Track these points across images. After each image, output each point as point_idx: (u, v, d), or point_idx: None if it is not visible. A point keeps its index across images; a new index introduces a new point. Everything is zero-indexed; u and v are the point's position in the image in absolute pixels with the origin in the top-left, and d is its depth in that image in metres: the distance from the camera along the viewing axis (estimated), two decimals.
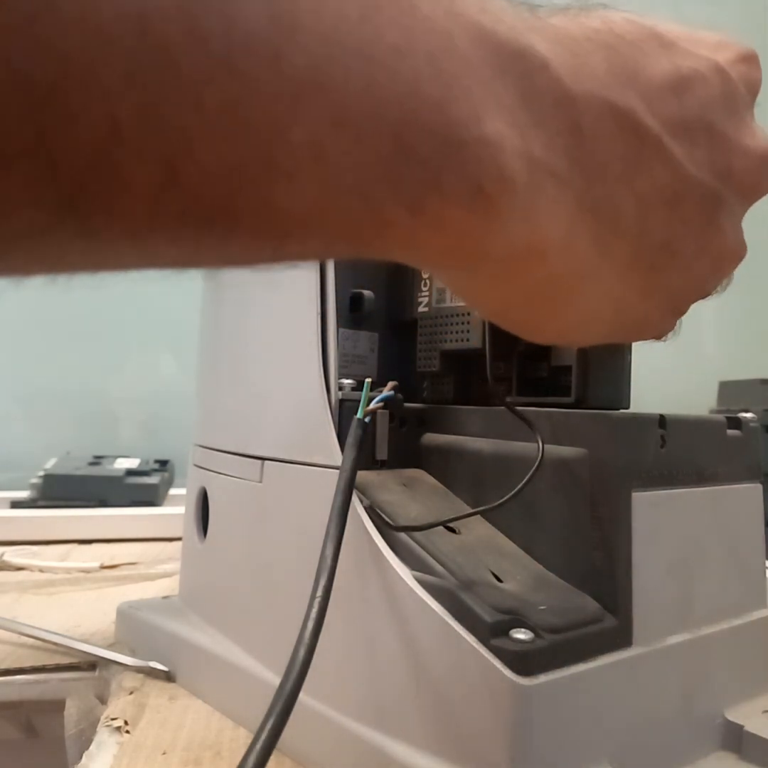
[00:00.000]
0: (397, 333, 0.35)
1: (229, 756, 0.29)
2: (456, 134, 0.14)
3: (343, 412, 0.29)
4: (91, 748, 0.30)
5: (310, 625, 0.22)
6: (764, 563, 0.31)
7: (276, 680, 0.21)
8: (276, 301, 0.33)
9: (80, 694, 0.38)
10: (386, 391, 0.29)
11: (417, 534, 0.26)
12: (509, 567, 0.25)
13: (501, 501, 0.25)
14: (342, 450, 0.27)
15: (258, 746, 0.19)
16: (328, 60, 0.13)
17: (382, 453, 0.29)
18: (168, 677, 0.36)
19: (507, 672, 0.21)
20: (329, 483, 0.26)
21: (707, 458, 0.28)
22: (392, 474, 0.29)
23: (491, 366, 0.29)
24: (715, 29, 0.23)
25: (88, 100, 0.10)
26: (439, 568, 0.24)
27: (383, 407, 0.29)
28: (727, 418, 0.30)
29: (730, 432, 0.29)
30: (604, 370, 0.29)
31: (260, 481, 0.33)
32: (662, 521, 0.26)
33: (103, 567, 0.60)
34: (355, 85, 0.13)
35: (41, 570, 0.59)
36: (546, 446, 0.25)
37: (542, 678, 0.21)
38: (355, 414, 0.28)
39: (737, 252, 0.23)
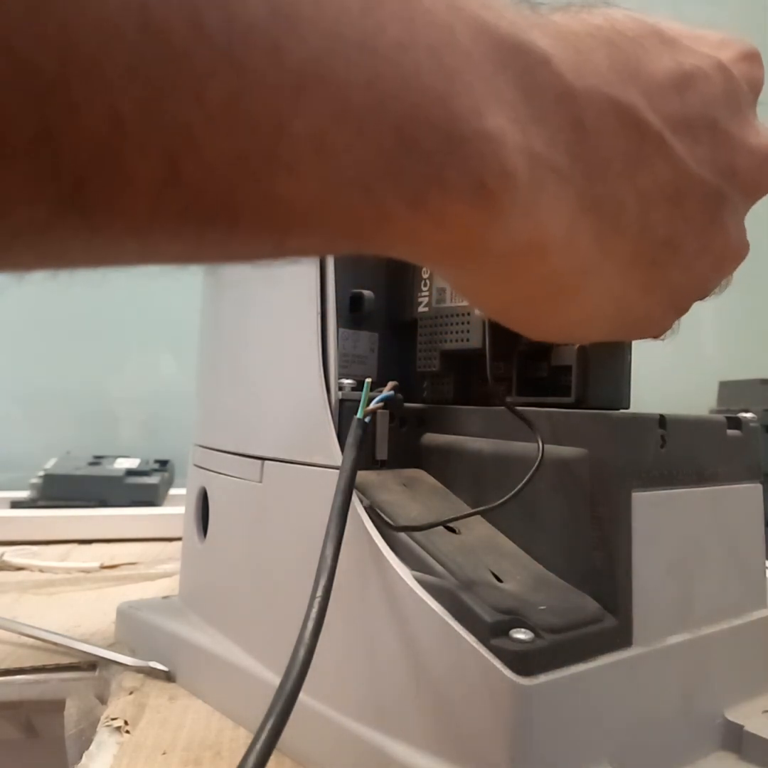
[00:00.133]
0: (397, 333, 0.35)
1: (229, 756, 0.29)
2: (458, 129, 0.14)
3: (343, 412, 0.29)
4: (91, 748, 0.30)
5: (310, 625, 0.22)
6: (764, 563, 0.31)
7: (276, 680, 0.21)
8: (276, 301, 0.33)
9: (80, 694, 0.38)
10: (386, 391, 0.29)
11: (417, 534, 0.26)
12: (509, 567, 0.25)
13: (501, 501, 0.25)
14: (342, 450, 0.27)
15: (258, 746, 0.19)
16: (329, 53, 0.13)
17: (382, 453, 0.29)
18: (168, 677, 0.36)
19: (507, 672, 0.21)
20: (329, 483, 0.26)
21: (707, 458, 0.28)
22: (392, 474, 0.29)
23: (491, 366, 0.29)
24: (717, 28, 0.23)
25: (91, 93, 0.10)
26: (439, 568, 0.24)
27: (383, 407, 0.29)
28: (727, 418, 0.30)
29: (730, 432, 0.29)
30: (604, 370, 0.29)
31: (260, 481, 0.33)
32: (662, 521, 0.26)
33: (103, 567, 0.60)
34: (357, 78, 0.13)
35: (41, 570, 0.59)
36: (546, 446, 0.25)
37: (542, 678, 0.21)
38: (355, 414, 0.28)
39: (739, 250, 0.23)
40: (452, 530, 0.27)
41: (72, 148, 0.11)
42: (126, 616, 0.41)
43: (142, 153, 0.11)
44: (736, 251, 0.23)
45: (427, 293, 0.33)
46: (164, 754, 0.29)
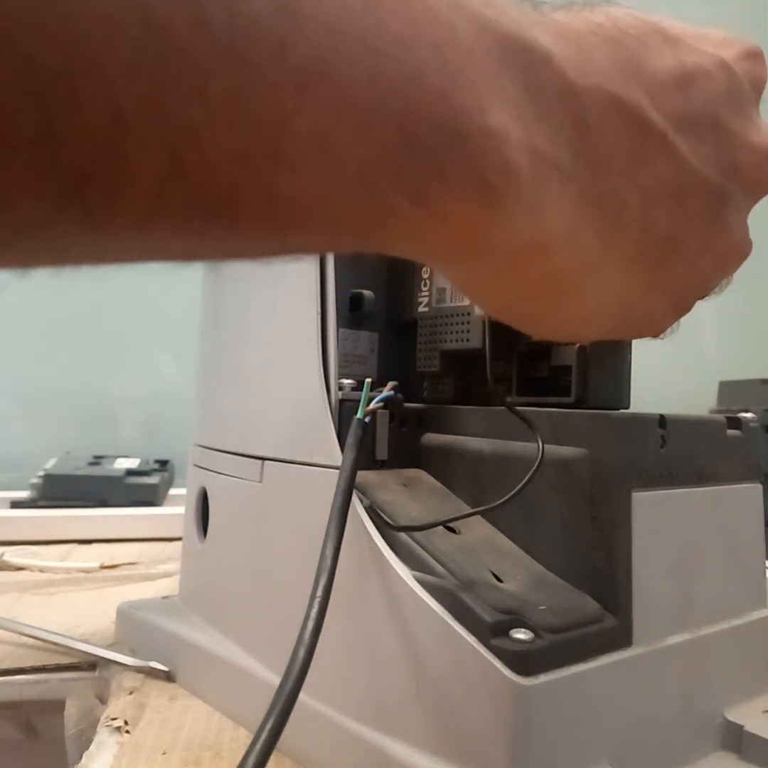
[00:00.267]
0: (397, 333, 0.35)
1: (229, 756, 0.29)
2: (460, 125, 0.15)
3: (343, 412, 0.29)
4: (91, 748, 0.30)
5: (310, 625, 0.22)
6: (764, 563, 0.31)
7: (276, 680, 0.21)
8: (276, 301, 0.33)
9: (80, 694, 0.38)
10: (386, 391, 0.29)
11: (417, 534, 0.26)
12: (509, 567, 0.25)
13: (501, 501, 0.25)
14: (342, 450, 0.27)
15: (258, 746, 0.19)
16: (331, 50, 0.13)
17: (382, 453, 0.29)
18: (168, 677, 0.36)
19: (507, 672, 0.21)
20: (329, 483, 0.26)
21: (707, 458, 0.28)
22: (392, 474, 0.29)
23: (491, 366, 0.29)
24: (719, 27, 0.23)
25: (93, 89, 0.10)
26: (439, 568, 0.24)
27: (383, 407, 0.29)
28: (727, 418, 0.30)
29: (730, 432, 0.29)
30: (604, 370, 0.29)
31: (260, 481, 0.33)
32: (662, 521, 0.26)
33: (103, 567, 0.59)
34: (359, 75, 0.13)
35: (41, 570, 0.59)
36: (546, 446, 0.25)
37: (542, 678, 0.21)
38: (355, 414, 0.28)
39: (742, 248, 0.23)
40: (452, 530, 0.27)
41: (74, 143, 0.11)
42: (126, 616, 0.41)
43: (144, 148, 0.11)
44: (738, 250, 0.23)
45: (427, 293, 0.33)
46: (164, 754, 0.29)
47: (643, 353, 0.31)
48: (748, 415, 0.30)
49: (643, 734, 0.24)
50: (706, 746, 0.27)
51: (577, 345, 0.28)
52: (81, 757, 0.29)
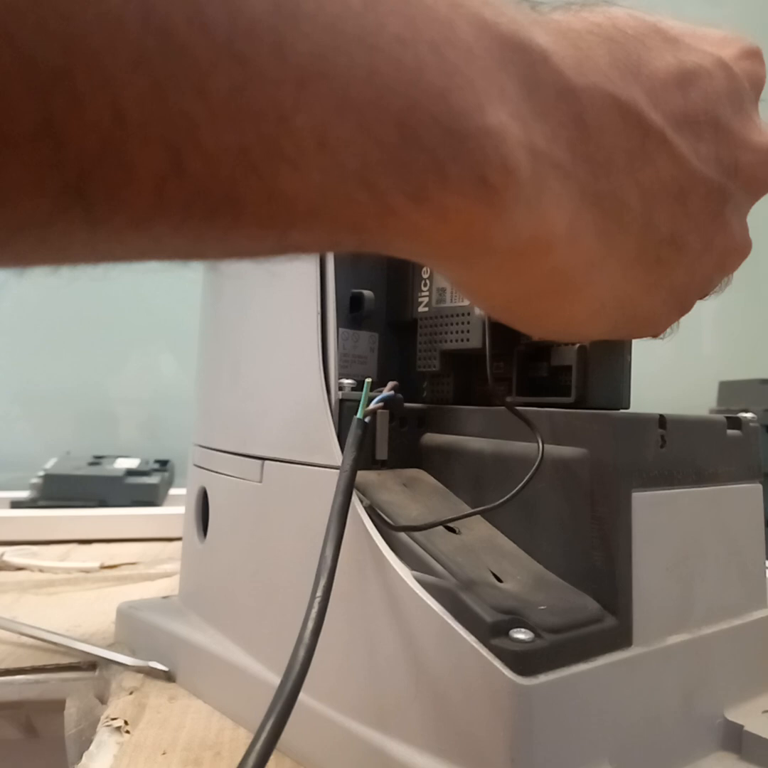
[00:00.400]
0: (397, 333, 0.35)
1: (229, 756, 0.29)
2: (459, 124, 0.15)
3: (343, 412, 0.29)
4: (91, 748, 0.30)
5: (310, 625, 0.22)
6: (764, 563, 0.31)
7: (276, 680, 0.21)
8: (276, 301, 0.33)
9: (80, 694, 0.38)
10: (386, 391, 0.29)
11: (417, 534, 0.26)
12: (509, 567, 0.25)
13: (501, 501, 0.25)
14: (342, 450, 0.27)
15: (258, 746, 0.19)
16: (331, 48, 0.13)
17: (382, 453, 0.29)
18: (168, 677, 0.36)
19: (507, 672, 0.21)
20: (329, 483, 0.26)
21: (707, 458, 0.28)
22: (392, 474, 0.29)
23: (491, 366, 0.29)
24: (719, 26, 0.23)
25: (94, 85, 0.11)
26: (439, 568, 0.24)
27: (383, 407, 0.29)
28: (727, 418, 0.30)
29: (730, 432, 0.29)
30: (604, 370, 0.29)
31: (260, 481, 0.33)
32: (662, 521, 0.26)
33: (103, 567, 0.59)
34: (358, 73, 0.13)
35: (41, 570, 0.59)
36: (546, 446, 0.25)
37: (542, 678, 0.21)
38: (355, 414, 0.28)
39: (743, 247, 0.23)
40: (452, 530, 0.27)
41: (74, 140, 0.11)
42: (126, 616, 0.41)
43: (144, 145, 0.11)
44: (738, 249, 0.23)
45: (427, 293, 0.33)
46: (164, 754, 0.29)
47: (643, 353, 0.31)
48: (748, 415, 0.30)
49: (643, 734, 0.24)
50: (706, 746, 0.27)
51: (577, 345, 0.28)
52: (81, 757, 0.29)
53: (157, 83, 0.11)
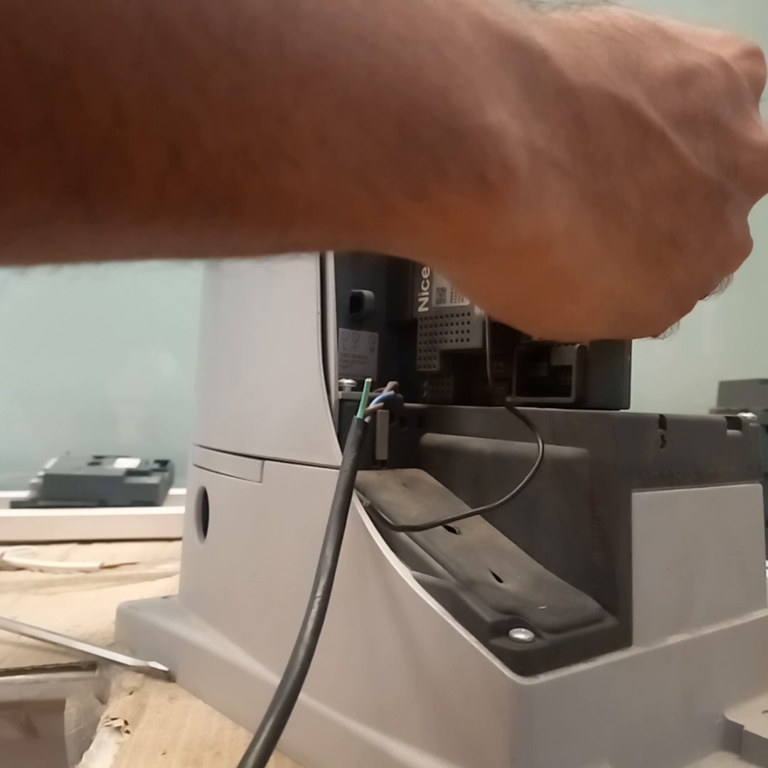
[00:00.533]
0: (397, 333, 0.35)
1: (229, 756, 0.29)
2: (458, 122, 0.15)
3: (343, 412, 0.29)
4: (91, 748, 0.30)
5: (310, 625, 0.22)
6: (764, 563, 0.31)
7: (276, 680, 0.21)
8: (276, 301, 0.33)
9: (80, 694, 0.38)
10: (386, 391, 0.29)
11: (417, 534, 0.26)
12: (509, 567, 0.25)
13: (501, 501, 0.25)
14: (342, 450, 0.27)
15: (258, 746, 0.19)
16: (330, 47, 0.13)
17: (382, 453, 0.29)
18: (168, 677, 0.36)
19: (507, 672, 0.21)
20: (329, 483, 0.26)
21: (707, 458, 0.28)
22: (392, 474, 0.29)
23: (491, 366, 0.29)
24: (719, 26, 0.23)
25: (94, 83, 0.11)
26: (439, 568, 0.24)
27: (383, 407, 0.29)
28: (727, 418, 0.30)
29: (730, 432, 0.29)
30: (604, 370, 0.29)
31: (260, 481, 0.33)
32: (662, 521, 0.26)
33: (103, 567, 0.59)
34: (358, 71, 0.13)
35: (41, 570, 0.59)
36: (546, 446, 0.25)
37: (542, 678, 0.21)
38: (355, 414, 0.28)
39: (743, 247, 0.23)
40: (452, 530, 0.27)
41: (75, 137, 0.11)
42: (126, 616, 0.41)
43: (144, 143, 0.11)
44: (739, 248, 0.23)
45: (427, 293, 0.33)
46: (164, 754, 0.29)
47: (643, 353, 0.31)
48: (748, 415, 0.30)
49: (643, 734, 0.24)
50: (706, 746, 0.27)
51: (577, 345, 0.28)
52: (81, 757, 0.29)
53: (158, 82, 0.11)
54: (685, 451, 0.27)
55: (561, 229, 0.18)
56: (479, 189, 0.15)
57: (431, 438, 0.31)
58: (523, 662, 0.21)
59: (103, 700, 0.36)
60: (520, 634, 0.22)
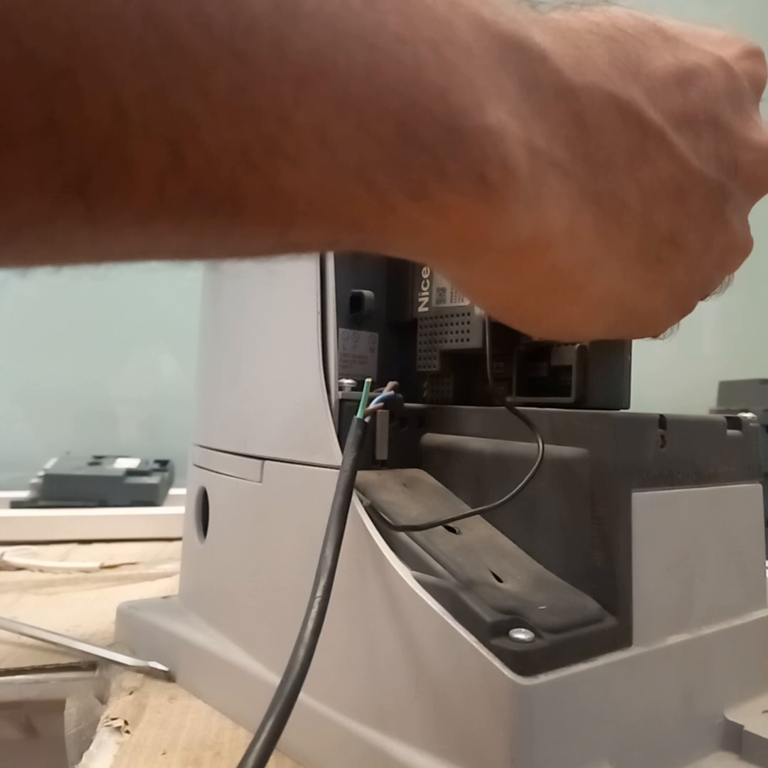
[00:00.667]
0: (397, 333, 0.35)
1: (229, 756, 0.29)
2: (458, 122, 0.15)
3: (343, 412, 0.29)
4: (91, 748, 0.30)
5: (310, 625, 0.22)
6: (764, 563, 0.31)
7: (276, 680, 0.21)
8: (276, 301, 0.33)
9: (80, 694, 0.38)
10: (386, 391, 0.29)
11: (417, 534, 0.26)
12: (509, 567, 0.25)
13: (501, 501, 0.25)
14: (342, 450, 0.27)
15: (258, 746, 0.19)
16: (330, 46, 0.13)
17: (382, 453, 0.29)
18: (168, 677, 0.36)
19: (507, 672, 0.21)
20: (329, 483, 0.26)
21: (707, 458, 0.28)
22: (392, 474, 0.29)
23: (491, 366, 0.29)
24: (720, 26, 0.23)
25: (95, 83, 0.11)
26: (439, 568, 0.24)
27: (383, 407, 0.29)
28: (727, 418, 0.30)
29: (730, 432, 0.29)
30: (604, 370, 0.29)
31: (260, 481, 0.33)
32: (662, 521, 0.26)
33: (103, 567, 0.59)
34: (358, 71, 0.13)
35: (41, 570, 0.59)
36: (546, 446, 0.25)
37: (542, 678, 0.21)
38: (355, 414, 0.28)
39: (744, 247, 0.23)
40: (452, 530, 0.27)
41: (76, 137, 0.11)
42: (126, 616, 0.41)
43: (145, 142, 0.11)
44: (740, 248, 0.23)
45: (427, 293, 0.33)
46: (164, 754, 0.29)
47: (643, 353, 0.31)
48: (748, 415, 0.30)
49: (643, 734, 0.24)
50: (706, 746, 0.27)
51: (577, 345, 0.28)
52: (81, 757, 0.29)
53: (158, 82, 0.11)
54: (685, 451, 0.27)
55: (561, 228, 0.18)
56: (479, 188, 0.15)
57: (431, 438, 0.31)
58: (523, 662, 0.21)
59: (103, 700, 0.36)
60: (520, 634, 0.22)
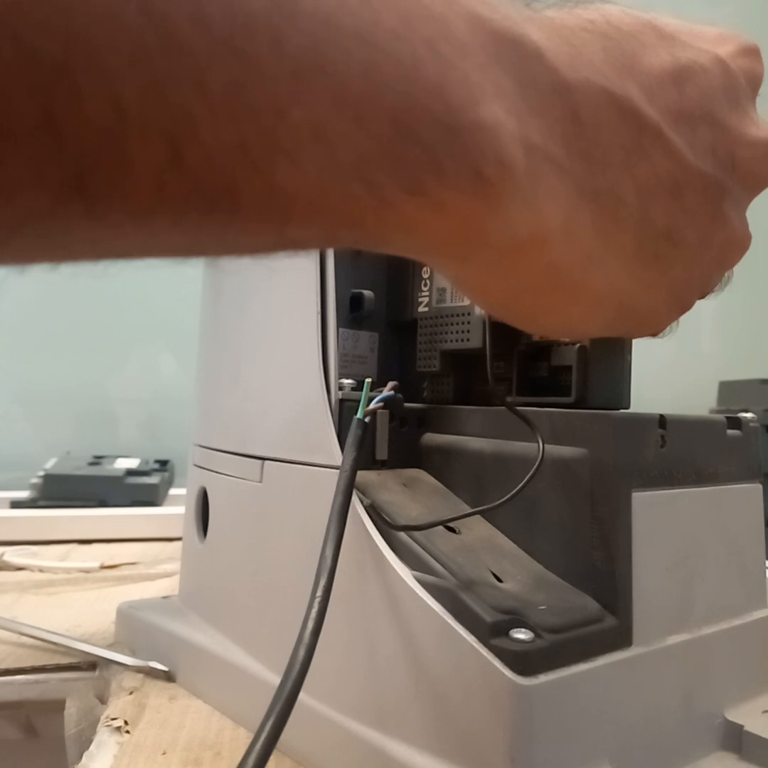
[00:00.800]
0: (397, 333, 0.35)
1: (229, 756, 0.29)
2: (454, 119, 0.15)
3: (343, 412, 0.29)
4: (91, 748, 0.30)
5: (310, 625, 0.22)
6: (764, 563, 0.31)
7: (276, 680, 0.21)
8: (276, 301, 0.33)
9: (80, 694, 0.38)
10: (386, 391, 0.29)
11: (417, 534, 0.26)
12: (509, 567, 0.25)
13: (501, 501, 0.25)
14: (342, 450, 0.27)
15: (258, 746, 0.19)
16: (327, 43, 0.13)
17: (382, 453, 0.29)
18: (168, 677, 0.36)
19: (507, 672, 0.21)
20: (329, 483, 0.26)
21: (707, 458, 0.28)
22: (392, 474, 0.29)
23: (491, 366, 0.29)
24: (717, 25, 0.23)
25: (94, 80, 0.11)
26: (439, 568, 0.24)
27: (383, 407, 0.29)
28: (727, 418, 0.30)
29: (730, 432, 0.29)
30: (604, 370, 0.29)
31: (260, 481, 0.33)
32: (662, 521, 0.26)
33: (103, 567, 0.59)
34: (355, 68, 0.13)
35: (41, 570, 0.59)
36: (546, 446, 0.25)
37: (542, 678, 0.21)
38: (355, 414, 0.28)
39: (742, 242, 0.23)
40: (452, 530, 0.27)
41: (75, 134, 0.11)
42: (126, 616, 0.41)
43: (143, 139, 0.11)
44: (738, 244, 0.23)
45: (427, 293, 0.33)
46: (164, 754, 0.29)
47: (643, 353, 0.31)
48: (748, 415, 0.30)
49: (643, 734, 0.24)
50: (706, 746, 0.27)
51: (578, 345, 0.28)
52: (81, 757, 0.29)
53: (157, 78, 0.11)
54: (685, 451, 0.27)
55: (557, 224, 0.18)
56: (475, 184, 0.15)
57: (431, 438, 0.31)
58: (523, 662, 0.21)
59: (103, 700, 0.36)
60: (520, 634, 0.22)
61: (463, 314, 0.31)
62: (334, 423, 0.29)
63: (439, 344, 0.32)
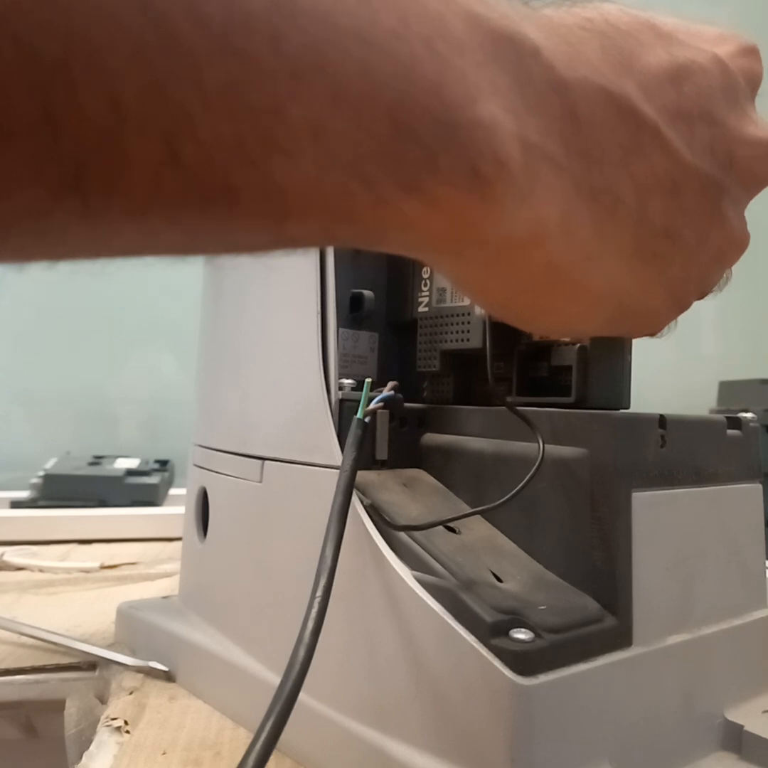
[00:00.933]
0: (397, 333, 0.35)
1: (229, 756, 0.29)
2: (451, 116, 0.15)
3: (343, 412, 0.29)
4: (91, 748, 0.30)
5: (310, 625, 0.22)
6: (764, 563, 0.31)
7: (276, 680, 0.21)
8: (276, 301, 0.33)
9: (80, 694, 0.38)
10: (386, 391, 0.29)
11: (417, 534, 0.26)
12: (509, 567, 0.25)
13: (501, 501, 0.25)
14: (342, 450, 0.27)
15: (258, 746, 0.19)
16: (326, 42, 0.13)
17: (382, 453, 0.29)
18: (168, 677, 0.36)
19: (507, 672, 0.21)
20: (329, 483, 0.26)
21: (707, 458, 0.28)
22: (392, 474, 0.29)
23: (491, 366, 0.29)
24: (716, 24, 0.23)
25: (92, 77, 0.11)
26: (439, 568, 0.24)
27: (383, 407, 0.29)
28: (727, 418, 0.30)
29: (730, 432, 0.29)
30: (604, 370, 0.29)
31: (260, 481, 0.33)
32: (662, 521, 0.26)
33: (103, 567, 0.60)
34: (352, 66, 0.13)
35: (41, 570, 0.59)
36: (546, 446, 0.25)
37: (542, 678, 0.21)
38: (355, 414, 0.28)
39: (741, 241, 0.23)
40: (452, 530, 0.27)
41: (73, 131, 0.11)
42: (126, 616, 0.41)
43: (141, 137, 0.11)
44: (736, 242, 0.23)
45: (427, 293, 0.33)
46: (164, 754, 0.29)
47: (643, 353, 0.31)
48: (748, 415, 0.30)
49: (643, 734, 0.24)
50: (706, 746, 0.27)
51: (578, 345, 0.28)
52: (81, 757, 0.29)
53: (156, 78, 0.11)
54: (685, 451, 0.27)
55: (555, 222, 0.18)
56: (472, 182, 0.15)
57: (431, 438, 0.31)
58: (523, 662, 0.21)
59: (103, 700, 0.36)
60: (520, 634, 0.22)
61: (463, 314, 0.31)
62: (334, 423, 0.29)
63: (439, 344, 0.32)
